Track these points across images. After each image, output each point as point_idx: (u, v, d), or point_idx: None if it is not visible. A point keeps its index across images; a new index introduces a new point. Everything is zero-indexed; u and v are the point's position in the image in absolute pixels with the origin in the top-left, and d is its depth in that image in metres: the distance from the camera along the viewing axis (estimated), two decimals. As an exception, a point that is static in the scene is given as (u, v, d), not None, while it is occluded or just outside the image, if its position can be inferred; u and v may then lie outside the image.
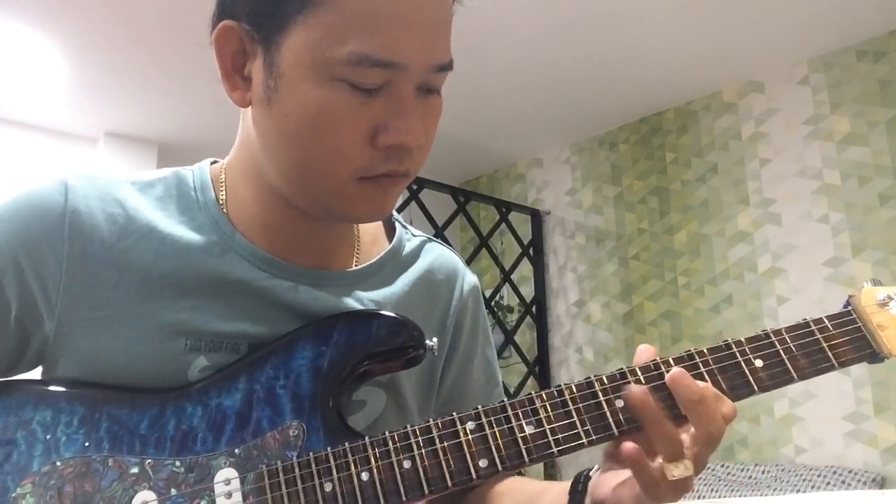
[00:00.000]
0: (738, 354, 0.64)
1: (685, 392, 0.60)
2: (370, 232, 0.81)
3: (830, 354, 0.64)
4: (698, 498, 2.99)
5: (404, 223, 0.84)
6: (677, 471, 0.59)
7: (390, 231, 0.83)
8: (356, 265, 0.77)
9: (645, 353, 0.65)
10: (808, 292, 3.10)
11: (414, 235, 0.84)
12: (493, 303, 4.00)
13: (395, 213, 0.84)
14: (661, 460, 0.60)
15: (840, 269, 3.02)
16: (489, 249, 4.09)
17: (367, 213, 0.69)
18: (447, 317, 0.81)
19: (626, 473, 0.62)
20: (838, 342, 0.65)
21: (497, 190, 4.49)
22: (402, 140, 0.62)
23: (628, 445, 0.59)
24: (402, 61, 0.60)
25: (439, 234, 3.76)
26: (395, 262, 0.79)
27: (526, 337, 4.17)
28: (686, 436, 0.61)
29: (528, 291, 4.15)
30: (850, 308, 0.66)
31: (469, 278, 0.86)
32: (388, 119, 0.62)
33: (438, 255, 0.84)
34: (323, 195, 0.66)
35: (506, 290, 4.16)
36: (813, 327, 0.65)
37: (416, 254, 0.82)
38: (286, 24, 0.61)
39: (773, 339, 0.65)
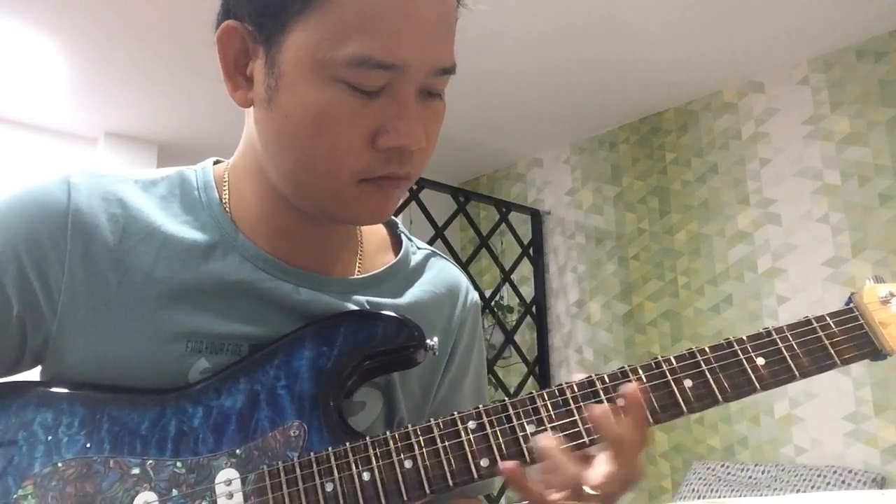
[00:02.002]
0: (739, 353, 0.64)
1: (605, 433, 0.59)
2: (374, 240, 0.81)
3: (833, 352, 0.64)
4: (698, 498, 2.99)
5: (409, 235, 0.84)
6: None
7: (395, 242, 0.83)
8: (359, 272, 0.77)
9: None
10: (808, 292, 3.10)
11: (419, 248, 0.84)
12: (493, 303, 4.00)
13: (399, 224, 0.84)
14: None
15: (840, 269, 3.02)
16: (489, 249, 4.09)
17: (367, 216, 0.69)
18: (448, 332, 0.81)
19: None
20: (840, 340, 0.64)
21: (497, 190, 4.49)
22: (402, 142, 0.62)
23: (507, 464, 0.59)
24: (403, 63, 0.60)
25: (439, 233, 3.76)
26: (402, 275, 0.79)
27: (526, 337, 4.17)
28: (597, 473, 0.59)
29: (528, 291, 4.15)
30: (852, 305, 0.66)
31: (471, 295, 0.85)
32: (389, 121, 0.62)
33: (442, 269, 0.83)
34: (322, 196, 0.66)
35: (506, 290, 4.16)
36: (815, 325, 0.65)
37: (421, 267, 0.82)
38: (287, 25, 0.61)
39: (775, 336, 0.64)
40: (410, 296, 0.78)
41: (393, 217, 0.83)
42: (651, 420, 0.62)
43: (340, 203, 0.66)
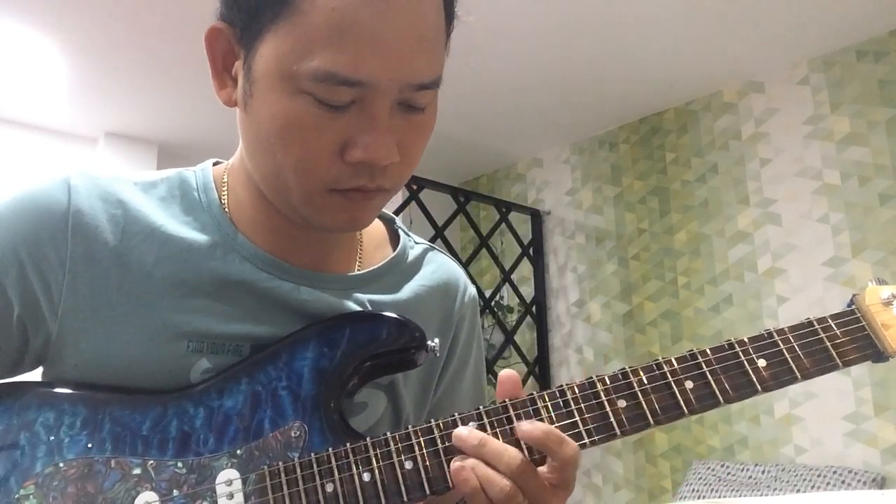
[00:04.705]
0: (740, 354, 0.64)
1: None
2: (374, 238, 0.81)
3: (834, 354, 0.64)
4: (698, 498, 2.99)
5: (406, 230, 0.84)
6: None
7: (394, 238, 0.83)
8: (358, 269, 0.77)
9: (507, 381, 0.64)
10: (808, 292, 3.10)
11: (416, 243, 0.84)
12: (493, 303, 4.00)
13: (397, 220, 0.84)
14: None
15: (840, 269, 3.02)
16: (489, 249, 4.09)
17: (339, 224, 0.68)
18: (448, 326, 0.82)
19: None
20: (842, 341, 0.64)
21: (497, 190, 4.49)
22: (370, 156, 0.61)
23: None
24: (369, 80, 0.58)
25: (439, 233, 3.76)
26: (400, 270, 0.79)
27: (526, 337, 4.17)
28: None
29: (528, 291, 4.15)
30: (853, 307, 0.66)
31: (469, 289, 0.86)
32: (358, 134, 0.61)
33: (440, 265, 0.84)
34: (295, 202, 0.66)
35: (506, 290, 4.16)
36: (816, 326, 0.65)
37: (419, 262, 0.82)
38: (261, 32, 0.60)
39: (777, 338, 0.64)
40: (409, 291, 0.78)
41: (390, 213, 0.84)
42: (652, 421, 0.62)
43: (311, 211, 0.66)
